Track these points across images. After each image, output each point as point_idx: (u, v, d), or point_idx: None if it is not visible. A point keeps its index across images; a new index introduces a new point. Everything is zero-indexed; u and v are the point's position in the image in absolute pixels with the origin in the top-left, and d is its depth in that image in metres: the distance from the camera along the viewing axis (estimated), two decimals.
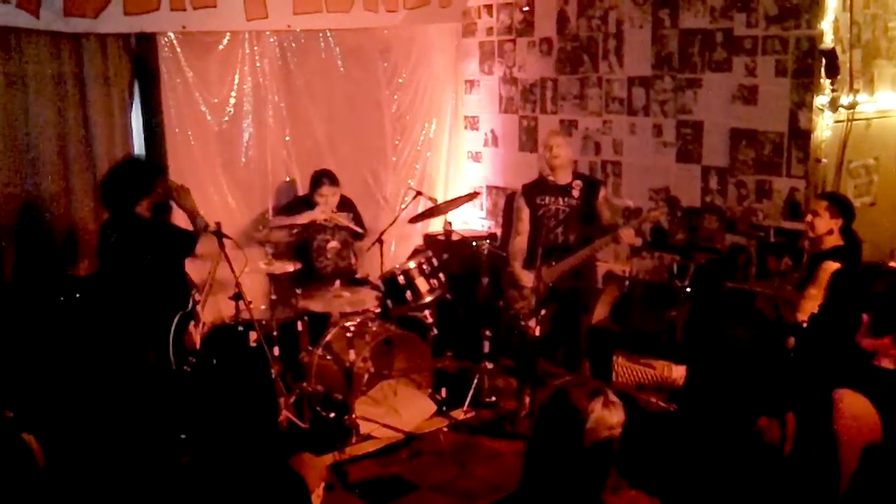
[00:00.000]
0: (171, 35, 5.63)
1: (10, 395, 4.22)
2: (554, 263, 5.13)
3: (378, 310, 5.09)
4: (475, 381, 5.30)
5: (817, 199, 4.74)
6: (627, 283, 5.95)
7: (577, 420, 2.47)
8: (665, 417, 4.78)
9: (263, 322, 5.10)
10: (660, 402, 4.99)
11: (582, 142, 6.35)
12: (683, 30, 5.63)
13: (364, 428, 4.78)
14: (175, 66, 5.69)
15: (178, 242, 4.60)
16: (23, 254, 5.17)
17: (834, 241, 4.47)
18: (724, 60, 5.42)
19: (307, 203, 5.85)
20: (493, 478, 4.43)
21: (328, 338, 5.07)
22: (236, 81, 5.99)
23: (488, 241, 5.63)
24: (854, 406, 3.56)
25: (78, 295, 5.00)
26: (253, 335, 5.06)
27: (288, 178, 6.32)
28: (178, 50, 5.68)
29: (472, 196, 6.07)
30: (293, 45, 6.24)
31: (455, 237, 6.16)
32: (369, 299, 5.01)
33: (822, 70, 4.93)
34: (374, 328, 5.04)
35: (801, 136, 5.11)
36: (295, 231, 5.32)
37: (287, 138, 6.27)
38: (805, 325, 4.26)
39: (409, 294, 5.12)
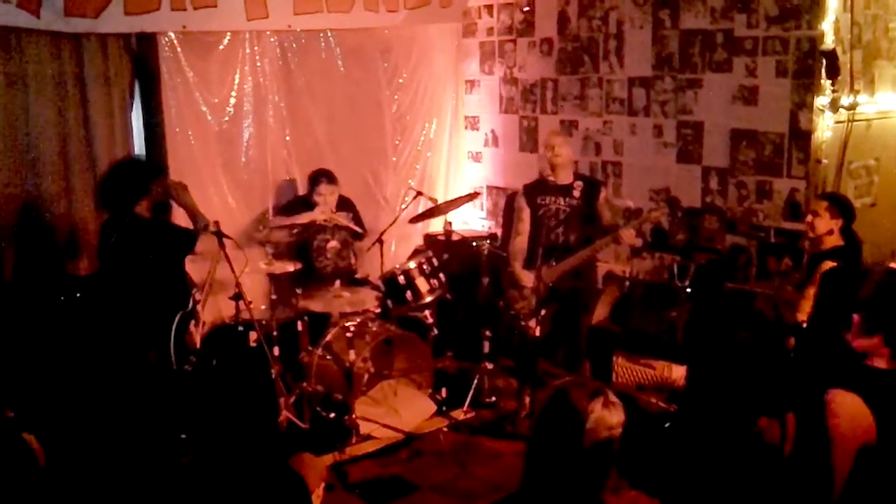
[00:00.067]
0: (172, 35, 5.63)
1: (10, 395, 4.23)
2: (554, 263, 5.14)
3: (378, 310, 5.09)
4: (475, 381, 5.30)
5: (817, 199, 4.74)
6: (627, 283, 5.95)
7: (577, 420, 2.47)
8: (665, 418, 4.78)
9: (263, 322, 5.10)
10: (660, 403, 4.99)
11: (582, 142, 6.35)
12: (684, 30, 5.63)
13: (364, 428, 4.78)
14: (175, 65, 5.69)
15: (178, 241, 4.60)
16: (23, 254, 5.17)
17: (834, 241, 4.47)
18: (724, 61, 5.42)
19: (306, 203, 5.86)
20: (494, 478, 4.43)
21: (328, 338, 5.07)
22: (237, 81, 5.99)
23: (488, 241, 5.63)
24: (847, 406, 3.56)
25: (78, 295, 5.00)
26: (253, 335, 5.06)
27: (288, 178, 6.32)
28: (179, 50, 5.68)
29: (472, 196, 6.08)
30: (294, 45, 6.24)
31: (455, 237, 6.16)
32: (369, 299, 5.01)
33: (823, 71, 4.93)
34: (375, 328, 5.04)
35: (801, 136, 5.11)
36: (295, 231, 5.33)
37: (287, 138, 6.27)
38: (805, 325, 4.27)
39: (409, 294, 5.12)
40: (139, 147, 5.75)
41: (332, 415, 4.87)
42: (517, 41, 6.84)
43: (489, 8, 7.02)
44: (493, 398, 5.35)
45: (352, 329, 4.75)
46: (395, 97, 6.87)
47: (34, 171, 5.24)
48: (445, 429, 4.95)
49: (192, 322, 4.60)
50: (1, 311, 4.80)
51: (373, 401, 5.04)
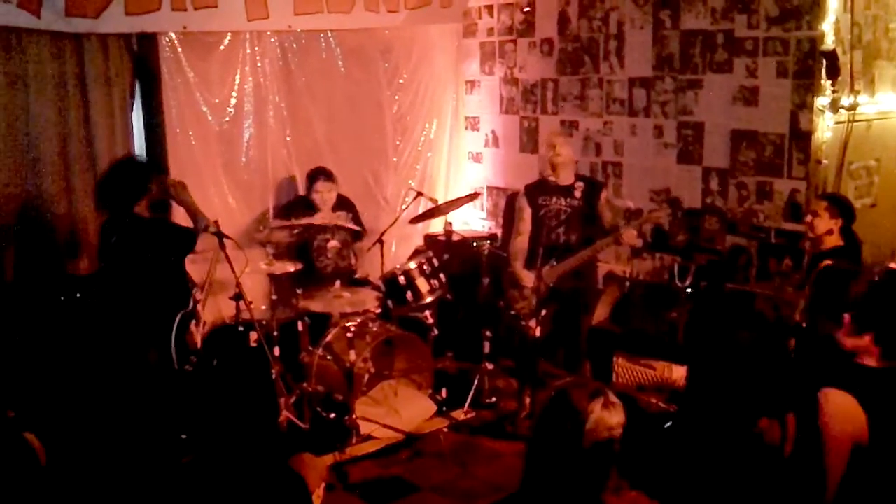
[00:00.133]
0: (173, 35, 5.63)
1: (11, 395, 4.23)
2: (555, 263, 5.14)
3: (378, 310, 5.09)
4: (475, 381, 5.30)
5: (817, 199, 4.75)
6: (628, 283, 5.95)
7: (577, 421, 2.47)
8: (665, 418, 4.78)
9: (264, 322, 5.10)
10: (660, 404, 4.99)
11: (583, 142, 6.35)
12: (684, 31, 5.63)
13: (364, 428, 4.78)
14: (176, 66, 5.69)
15: (178, 240, 4.61)
16: (23, 254, 5.17)
17: (834, 241, 4.48)
18: (724, 61, 5.42)
19: (306, 203, 5.87)
20: (494, 478, 4.43)
21: (329, 338, 5.07)
22: (237, 82, 5.99)
23: (489, 241, 5.63)
24: (838, 404, 3.59)
25: (79, 295, 5.00)
26: (253, 335, 5.06)
27: (289, 178, 6.32)
28: (180, 50, 5.68)
29: (472, 197, 6.08)
30: (294, 45, 6.24)
31: (456, 238, 6.16)
32: (370, 300, 5.01)
33: (823, 71, 4.93)
34: (375, 328, 5.04)
35: (801, 137, 5.11)
36: (296, 231, 5.32)
37: (288, 138, 6.27)
38: (805, 325, 4.27)
39: (409, 294, 5.12)
40: (140, 147, 5.74)
41: (333, 415, 4.87)
42: (517, 41, 6.84)
43: (489, 8, 7.03)
44: (494, 398, 5.35)
45: (352, 329, 4.75)
46: (396, 97, 6.87)
47: (35, 170, 5.24)
48: (446, 429, 4.95)
49: (193, 322, 4.60)
50: (1, 310, 4.80)
51: (373, 401, 5.04)
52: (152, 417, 4.42)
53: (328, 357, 5.01)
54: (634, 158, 6.07)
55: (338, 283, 5.07)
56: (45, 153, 5.26)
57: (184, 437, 4.46)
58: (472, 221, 7.38)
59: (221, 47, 5.90)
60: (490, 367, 5.36)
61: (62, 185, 5.35)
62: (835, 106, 5.01)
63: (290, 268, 5.16)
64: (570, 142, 5.49)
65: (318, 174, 5.83)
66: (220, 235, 4.59)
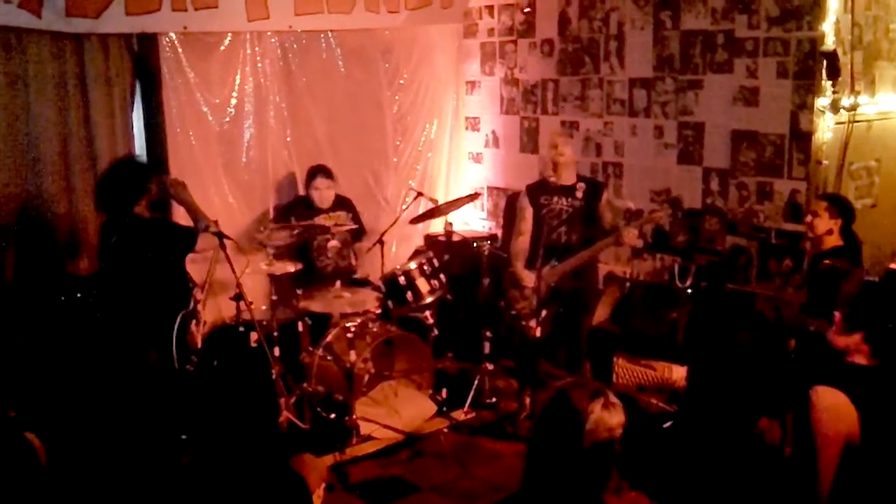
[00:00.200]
0: (173, 35, 5.63)
1: (12, 395, 4.23)
2: (556, 264, 5.13)
3: (379, 310, 5.08)
4: (476, 381, 5.30)
5: (817, 199, 4.75)
6: (628, 284, 5.95)
7: (576, 421, 2.47)
8: (665, 418, 4.79)
9: (264, 322, 5.10)
10: (661, 404, 4.99)
11: (583, 143, 6.35)
12: (685, 31, 5.63)
13: (364, 429, 4.78)
14: (176, 66, 5.69)
15: (178, 239, 4.61)
16: (24, 254, 5.17)
17: (834, 241, 4.48)
18: (725, 62, 5.42)
19: (306, 203, 5.88)
20: (494, 479, 4.43)
21: (329, 338, 5.07)
22: (237, 82, 5.99)
23: (489, 241, 5.64)
24: (831, 402, 3.63)
25: (79, 295, 5.00)
26: (254, 336, 5.06)
27: (289, 178, 6.32)
28: (180, 50, 5.68)
29: (472, 197, 6.08)
30: (294, 45, 6.24)
31: (456, 238, 6.17)
32: (370, 300, 5.01)
33: (824, 72, 4.93)
34: (375, 329, 5.04)
35: (802, 137, 5.11)
36: (296, 231, 5.32)
37: (288, 139, 6.27)
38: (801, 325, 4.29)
39: (409, 295, 5.12)
40: (140, 147, 5.74)
41: (333, 415, 4.87)
42: (518, 42, 6.84)
43: (490, 9, 7.03)
44: (494, 399, 5.35)
45: (352, 330, 4.75)
46: (396, 98, 6.87)
47: (35, 170, 5.24)
48: (446, 429, 4.95)
49: (194, 322, 4.61)
50: (2, 310, 4.80)
51: (373, 401, 5.04)
52: (152, 417, 4.42)
53: (328, 357, 5.01)
54: (635, 159, 6.07)
55: (338, 283, 5.07)
56: (46, 153, 5.26)
57: (184, 437, 4.46)
58: (473, 222, 7.38)
59: (222, 47, 5.90)
60: (490, 367, 5.36)
61: (62, 185, 5.35)
62: (835, 106, 5.01)
63: (291, 268, 5.16)
64: (571, 142, 5.49)
65: (317, 171, 5.86)
66: (220, 235, 4.59)
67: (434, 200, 5.78)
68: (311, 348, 5.15)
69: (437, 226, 6.70)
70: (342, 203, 5.99)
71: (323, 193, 5.82)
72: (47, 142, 5.25)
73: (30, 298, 4.94)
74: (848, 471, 3.57)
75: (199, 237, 4.58)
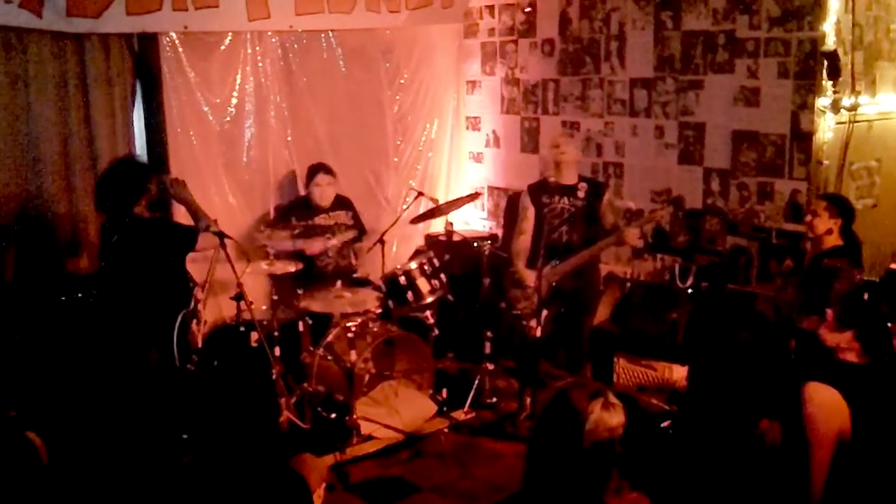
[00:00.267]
0: (174, 35, 5.63)
1: (13, 394, 4.24)
2: (557, 263, 5.13)
3: (379, 310, 5.09)
4: (476, 382, 5.31)
5: (817, 199, 4.75)
6: (629, 284, 5.95)
7: (576, 421, 2.47)
8: (664, 418, 4.79)
9: (265, 322, 5.10)
10: (661, 404, 4.99)
11: (584, 143, 6.34)
12: (686, 31, 5.63)
13: (365, 429, 4.78)
14: (177, 66, 5.69)
15: (178, 238, 4.61)
16: (24, 253, 5.17)
17: (833, 241, 4.48)
18: (726, 62, 5.42)
19: (307, 203, 5.88)
20: (494, 479, 4.44)
21: (329, 338, 5.08)
22: (238, 81, 6.00)
23: (489, 241, 5.64)
24: (823, 398, 3.66)
25: (80, 294, 5.00)
26: (254, 335, 5.07)
27: (290, 178, 6.33)
28: (181, 50, 5.69)
29: (473, 197, 6.08)
30: (295, 45, 6.24)
31: (456, 238, 6.17)
32: (370, 300, 5.01)
33: (824, 72, 4.92)
34: (376, 329, 5.04)
35: (802, 137, 5.11)
36: (297, 232, 5.32)
37: (289, 138, 6.28)
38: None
39: (410, 295, 5.12)
40: (140, 147, 5.75)
41: (333, 415, 4.88)
42: (518, 42, 6.84)
43: (491, 9, 7.03)
44: (494, 399, 5.36)
45: (353, 329, 4.75)
46: (397, 98, 6.87)
47: (35, 170, 5.24)
48: (446, 430, 4.95)
49: (194, 321, 4.61)
50: (2, 310, 4.80)
51: (374, 401, 5.04)
52: (153, 417, 4.42)
53: (329, 357, 5.01)
54: (635, 159, 6.07)
55: (339, 282, 5.08)
56: (46, 153, 5.26)
57: (185, 436, 4.46)
58: (473, 222, 7.38)
59: (222, 47, 5.90)
60: (491, 367, 5.37)
61: (63, 185, 5.35)
62: (836, 106, 5.01)
63: (291, 268, 5.17)
64: (573, 142, 5.50)
65: (318, 168, 5.87)
66: (220, 235, 4.59)
67: (435, 200, 5.79)
68: (311, 348, 5.16)
69: (437, 226, 6.71)
70: (342, 203, 6.00)
71: (324, 190, 5.82)
72: (48, 142, 5.26)
73: (30, 298, 4.95)
74: (840, 468, 3.60)
75: (200, 236, 4.58)
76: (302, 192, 6.14)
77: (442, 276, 5.28)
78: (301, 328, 5.25)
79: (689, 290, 5.32)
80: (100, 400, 4.49)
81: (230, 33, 5.89)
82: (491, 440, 4.92)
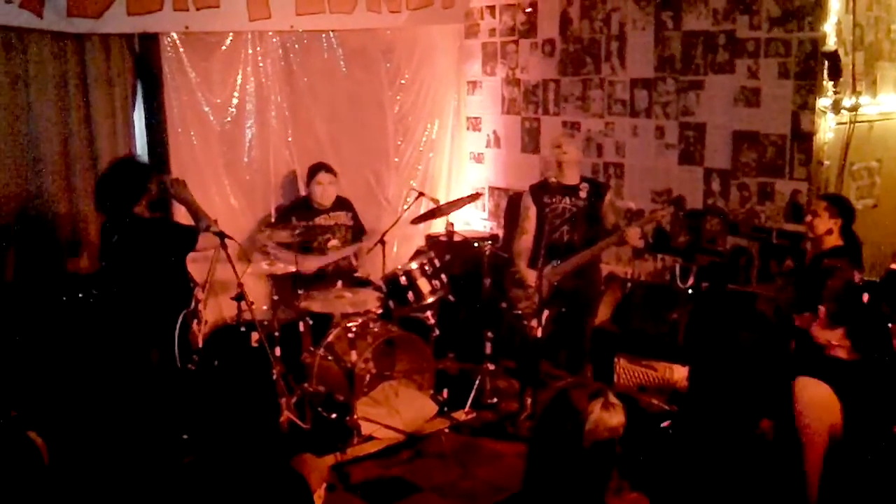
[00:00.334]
0: (174, 35, 5.63)
1: (14, 394, 4.24)
2: (558, 263, 5.13)
3: (380, 310, 5.09)
4: (477, 382, 5.31)
5: (817, 199, 4.75)
6: (629, 284, 5.95)
7: (576, 421, 2.47)
8: (664, 418, 4.79)
9: (265, 322, 5.11)
10: (662, 404, 4.99)
11: (584, 143, 6.34)
12: (686, 32, 5.63)
13: (365, 429, 4.78)
14: (178, 66, 5.69)
15: (179, 238, 4.61)
16: (25, 253, 5.17)
17: (833, 241, 4.48)
18: (726, 62, 5.42)
19: (307, 204, 5.88)
20: (495, 479, 4.44)
21: (330, 338, 5.08)
22: (239, 82, 6.00)
23: (490, 242, 5.63)
24: (811, 391, 3.70)
25: (80, 294, 5.01)
26: (255, 336, 5.07)
27: (290, 178, 6.33)
28: (181, 50, 5.69)
29: (474, 197, 6.08)
30: (296, 45, 6.24)
31: (457, 238, 6.17)
32: (371, 300, 5.01)
33: (825, 72, 4.92)
34: (376, 329, 5.04)
35: (803, 138, 5.11)
36: (297, 232, 5.33)
37: (290, 139, 6.28)
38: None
39: (411, 295, 5.12)
40: (141, 147, 5.75)
41: (334, 415, 4.88)
42: (519, 42, 6.84)
43: (491, 9, 7.03)
44: (495, 399, 5.36)
45: (353, 330, 4.75)
46: (398, 98, 6.87)
47: (35, 170, 5.25)
48: (447, 430, 4.96)
49: (195, 321, 4.61)
50: (3, 310, 4.80)
51: (374, 402, 5.04)
52: (154, 417, 4.42)
53: (329, 357, 5.01)
54: (636, 159, 6.07)
55: (339, 283, 5.08)
56: (46, 153, 5.26)
57: (185, 437, 4.46)
58: (474, 222, 7.38)
59: (223, 47, 5.90)
60: (491, 367, 5.37)
61: (63, 185, 5.36)
62: (836, 107, 5.01)
63: (292, 268, 5.17)
64: (574, 142, 5.50)
65: (320, 167, 5.88)
66: (221, 235, 4.59)
67: (435, 200, 5.78)
68: (312, 348, 5.16)
69: (438, 226, 6.71)
70: (342, 204, 6.00)
71: (326, 189, 5.82)
72: (48, 142, 5.26)
73: (30, 298, 4.95)
74: (834, 463, 3.63)
75: (200, 236, 4.58)
76: (303, 193, 6.15)
77: (443, 276, 5.28)
78: (302, 328, 5.25)
79: (690, 291, 5.32)
80: (101, 400, 4.49)
81: (231, 33, 5.89)
82: (491, 440, 4.92)
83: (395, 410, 4.97)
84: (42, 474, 2.79)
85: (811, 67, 5.01)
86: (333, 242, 5.78)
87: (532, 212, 5.35)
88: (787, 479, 3.79)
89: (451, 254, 5.98)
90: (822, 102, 5.00)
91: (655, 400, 5.05)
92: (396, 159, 6.93)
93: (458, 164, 7.35)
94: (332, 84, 6.47)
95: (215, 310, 5.67)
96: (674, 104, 5.76)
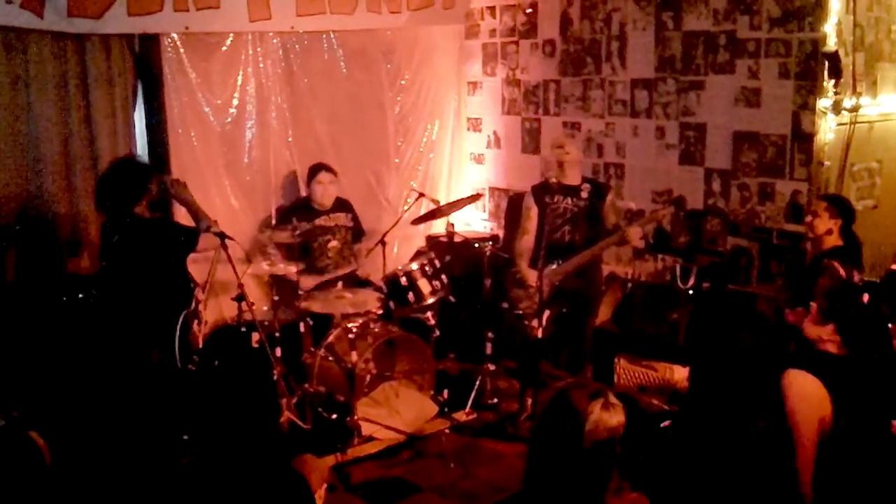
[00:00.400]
0: (175, 36, 5.64)
1: (16, 395, 4.24)
2: (559, 263, 5.13)
3: (380, 311, 5.09)
4: (477, 382, 5.31)
5: (817, 199, 4.75)
6: (630, 285, 5.95)
7: (576, 421, 2.47)
8: (664, 418, 4.79)
9: (266, 323, 5.11)
10: (662, 405, 4.99)
11: (585, 144, 6.34)
12: (686, 32, 5.63)
13: (366, 429, 4.78)
14: (178, 66, 5.69)
15: (179, 239, 4.61)
16: (25, 254, 5.18)
17: (833, 241, 4.47)
18: (727, 63, 5.42)
19: (307, 205, 5.88)
20: (495, 479, 4.44)
21: (330, 339, 5.08)
22: (239, 82, 6.00)
23: (491, 242, 5.64)
24: (801, 382, 3.75)
25: (81, 295, 5.01)
26: (255, 336, 5.07)
27: (291, 179, 6.33)
28: (182, 51, 5.69)
29: (474, 198, 6.08)
30: (296, 46, 6.24)
31: (457, 239, 6.17)
32: (371, 300, 5.01)
33: (826, 73, 4.93)
34: (377, 329, 5.04)
35: (803, 138, 5.11)
36: (298, 233, 5.34)
37: (290, 139, 6.28)
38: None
39: (411, 295, 5.12)
40: (142, 148, 5.75)
41: (334, 416, 4.88)
42: (520, 43, 6.84)
43: (492, 10, 7.03)
44: (495, 400, 5.35)
45: (354, 330, 4.75)
46: (398, 99, 6.88)
47: (36, 170, 5.25)
48: (447, 430, 4.95)
49: (195, 321, 4.61)
50: (3, 310, 4.81)
51: (374, 402, 5.04)
52: (155, 417, 4.42)
53: (330, 358, 5.01)
54: (636, 160, 6.07)
55: (340, 283, 5.08)
56: (47, 153, 5.26)
57: (186, 437, 4.46)
58: (474, 222, 7.38)
59: (224, 48, 5.90)
60: (492, 368, 5.37)
61: (63, 185, 5.36)
62: (837, 107, 5.01)
63: (293, 268, 5.17)
64: (575, 142, 5.50)
65: (320, 167, 5.89)
66: (221, 235, 4.60)
67: (436, 201, 5.78)
68: (312, 349, 5.16)
69: (438, 226, 6.71)
70: (342, 205, 6.01)
71: (326, 188, 5.82)
72: (48, 142, 5.26)
73: (31, 298, 4.95)
74: (826, 457, 3.66)
75: (201, 237, 4.58)
76: (303, 193, 6.15)
77: (443, 276, 5.28)
78: (302, 329, 5.25)
79: (690, 291, 5.32)
80: (101, 400, 4.49)
81: (231, 34, 5.90)
82: (492, 441, 4.92)
83: (396, 411, 4.97)
84: (44, 474, 2.80)
85: (811, 68, 5.01)
86: (333, 243, 5.79)
87: (534, 212, 5.35)
88: (781, 477, 3.80)
89: (452, 254, 5.98)
90: (823, 103, 5.00)
91: (655, 400, 5.06)
92: (397, 160, 6.93)
93: (459, 164, 7.35)
94: (333, 85, 6.47)
95: (216, 310, 5.67)
96: (674, 104, 5.76)
